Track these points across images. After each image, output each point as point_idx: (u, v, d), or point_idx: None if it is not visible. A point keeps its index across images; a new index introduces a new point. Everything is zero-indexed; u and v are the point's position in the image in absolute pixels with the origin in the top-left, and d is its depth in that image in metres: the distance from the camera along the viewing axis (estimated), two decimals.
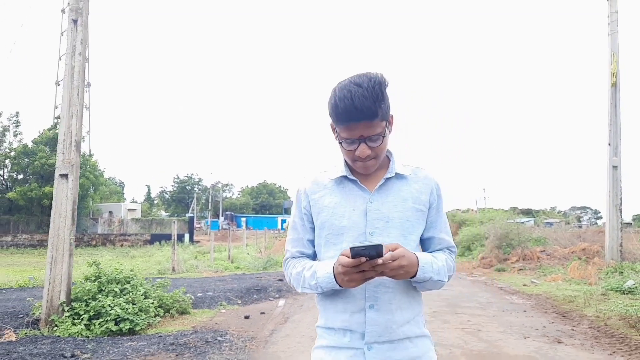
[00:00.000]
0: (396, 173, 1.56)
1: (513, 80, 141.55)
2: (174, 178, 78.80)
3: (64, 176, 7.16)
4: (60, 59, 41.39)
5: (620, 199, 13.21)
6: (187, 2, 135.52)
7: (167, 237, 32.99)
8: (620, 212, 13.28)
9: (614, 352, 5.53)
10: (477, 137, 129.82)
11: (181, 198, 77.40)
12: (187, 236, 35.76)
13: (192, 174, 79.77)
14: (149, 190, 75.24)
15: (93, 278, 7.42)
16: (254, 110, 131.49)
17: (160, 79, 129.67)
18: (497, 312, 8.10)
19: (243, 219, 65.96)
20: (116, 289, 7.24)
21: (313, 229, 1.61)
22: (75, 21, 7.32)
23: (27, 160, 31.64)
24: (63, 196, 7.15)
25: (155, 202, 62.06)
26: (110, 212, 39.20)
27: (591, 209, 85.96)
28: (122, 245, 33.28)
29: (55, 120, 34.28)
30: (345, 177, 1.57)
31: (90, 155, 35.86)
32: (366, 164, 1.49)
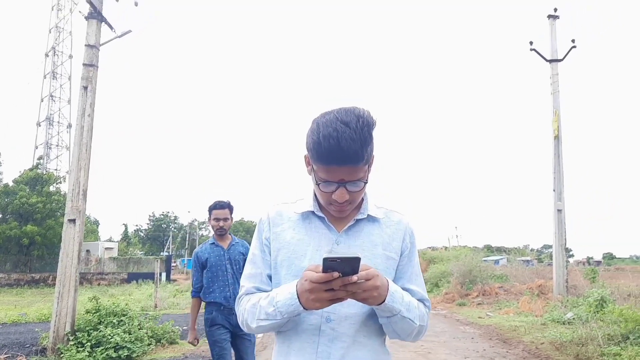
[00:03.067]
0: (368, 215, 1.43)
1: (479, 128, 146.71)
2: (150, 216, 78.78)
3: (72, 221, 8.22)
4: (42, 100, 42.42)
5: (565, 239, 14.70)
6: (152, 53, 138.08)
7: (144, 276, 33.45)
8: (566, 251, 14.75)
9: None
10: (449, 176, 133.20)
11: (156, 236, 77.20)
12: (164, 275, 36.19)
13: (168, 212, 79.91)
14: (126, 228, 75.04)
15: (94, 311, 8.40)
16: (231, 147, 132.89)
17: (137, 118, 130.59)
18: (448, 339, 9.31)
19: None
20: (114, 321, 8.22)
21: None
22: (85, 88, 8.53)
23: (7, 199, 32.07)
24: (70, 238, 8.19)
25: (132, 240, 62.09)
26: (88, 251, 39.39)
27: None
28: (99, 284, 33.51)
29: (37, 161, 34.89)
30: (312, 212, 1.43)
31: None
32: (342, 207, 1.35)
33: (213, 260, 4.27)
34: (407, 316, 1.32)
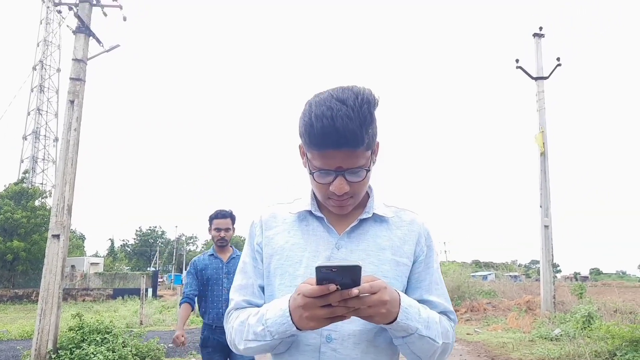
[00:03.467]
0: (374, 214, 1.25)
1: (467, 144, 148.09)
2: (137, 231, 78.05)
3: (56, 236, 8.09)
4: (28, 114, 42.07)
5: (552, 255, 14.77)
6: (137, 66, 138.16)
7: (130, 292, 33.03)
8: (553, 267, 14.82)
9: None
10: (438, 191, 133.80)
11: (143, 251, 76.42)
12: (150, 291, 35.73)
13: (155, 227, 79.22)
14: (112, 243, 74.23)
15: (77, 328, 8.24)
16: (219, 162, 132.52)
17: (124, 131, 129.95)
18: None
19: None
20: (97, 338, 8.08)
21: None
22: (72, 102, 8.47)
23: None
24: (54, 254, 8.06)
25: (119, 256, 61.46)
26: (73, 267, 38.81)
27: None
28: (84, 300, 32.98)
29: (23, 175, 34.49)
30: (309, 212, 1.26)
31: None
32: (342, 202, 1.18)
33: (210, 273, 4.05)
34: (426, 335, 1.12)
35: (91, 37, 8.76)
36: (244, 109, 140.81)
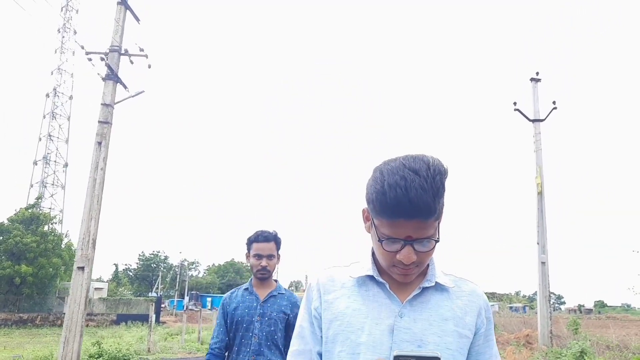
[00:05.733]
0: (436, 282, 1.24)
1: (470, 178, 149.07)
2: (139, 255, 78.16)
3: (81, 268, 8.69)
4: (40, 139, 43.11)
5: (549, 291, 15.23)
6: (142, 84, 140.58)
7: (134, 318, 33.26)
8: (549, 302, 15.26)
9: None
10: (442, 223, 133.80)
11: (145, 276, 76.45)
12: (153, 317, 35.88)
13: (159, 252, 79.34)
14: (116, 268, 74.38)
15: (96, 356, 8.78)
16: (222, 185, 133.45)
17: (127, 156, 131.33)
18: None
19: (209, 299, 65.44)
20: None
21: None
22: (99, 143, 9.18)
23: (0, 238, 32.19)
24: (79, 285, 8.64)
25: (122, 281, 61.73)
26: None
27: (554, 294, 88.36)
28: (87, 325, 33.13)
29: (35, 200, 35.19)
30: (370, 277, 1.26)
31: (66, 235, 36.60)
32: (407, 270, 1.17)
33: (240, 314, 3.01)
34: None
35: (118, 84, 9.52)
36: (252, 135, 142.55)
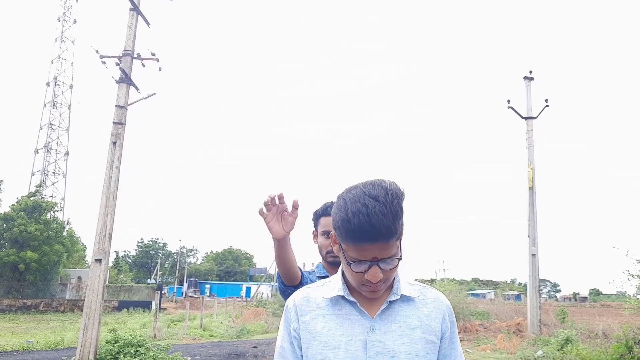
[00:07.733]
0: (402, 294, 1.31)
1: (465, 166, 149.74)
2: (138, 242, 78.75)
3: (99, 261, 9.28)
4: (41, 128, 43.55)
5: (539, 281, 15.94)
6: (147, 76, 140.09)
7: (135, 304, 33.95)
8: (539, 293, 15.97)
9: None
10: (438, 210, 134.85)
11: (144, 262, 77.12)
12: (154, 303, 36.57)
13: (157, 239, 79.90)
14: (117, 255, 75.00)
15: (113, 341, 9.40)
16: (221, 173, 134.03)
17: (129, 143, 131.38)
18: None
19: (207, 286, 66.23)
20: (132, 351, 9.24)
21: None
22: (114, 143, 9.71)
23: (4, 225, 32.72)
24: (96, 276, 9.24)
25: (123, 268, 62.41)
26: (79, 278, 39.77)
27: (550, 282, 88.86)
28: None
29: (35, 188, 35.66)
30: (342, 297, 1.32)
31: (68, 222, 37.09)
32: (375, 287, 1.25)
33: None
34: None
35: (131, 86, 10.03)
36: (245, 121, 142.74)
